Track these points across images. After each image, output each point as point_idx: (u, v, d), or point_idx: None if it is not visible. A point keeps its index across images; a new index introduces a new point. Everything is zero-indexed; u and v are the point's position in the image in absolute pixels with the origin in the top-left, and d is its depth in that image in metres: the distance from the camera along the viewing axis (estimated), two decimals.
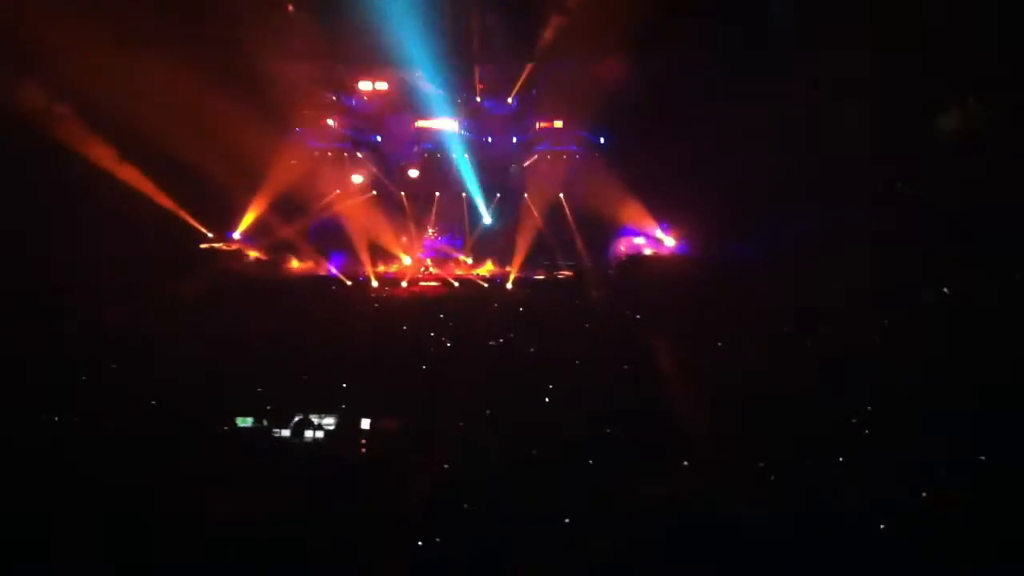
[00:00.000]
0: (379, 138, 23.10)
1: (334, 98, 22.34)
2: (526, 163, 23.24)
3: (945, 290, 14.76)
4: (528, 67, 21.58)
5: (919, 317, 14.12)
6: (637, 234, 21.80)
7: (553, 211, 22.62)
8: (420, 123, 22.87)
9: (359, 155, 23.00)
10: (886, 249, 15.56)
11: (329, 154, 23.02)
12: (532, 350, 14.79)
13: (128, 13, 16.56)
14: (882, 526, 8.63)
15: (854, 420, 11.23)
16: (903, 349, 13.02)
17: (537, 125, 23.04)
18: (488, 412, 11.92)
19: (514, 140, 23.40)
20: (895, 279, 15.00)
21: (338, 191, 22.78)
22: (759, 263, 17.17)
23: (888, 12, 15.27)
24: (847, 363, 12.69)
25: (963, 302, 14.24)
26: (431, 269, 22.41)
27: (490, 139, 23.52)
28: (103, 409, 11.69)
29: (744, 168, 17.38)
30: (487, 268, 22.52)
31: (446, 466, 10.43)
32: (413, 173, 23.27)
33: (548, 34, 20.10)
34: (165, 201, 19.17)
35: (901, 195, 16.47)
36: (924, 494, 9.26)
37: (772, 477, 9.85)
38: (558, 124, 22.94)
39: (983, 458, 9.71)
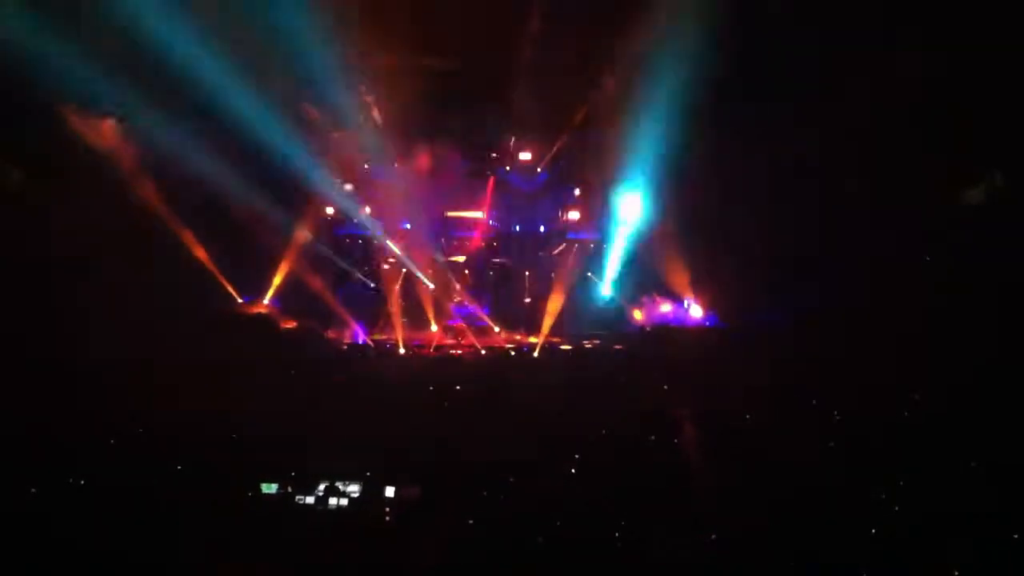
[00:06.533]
0: (408, 225, 23.53)
1: (365, 166, 22.82)
2: (553, 252, 23.89)
3: None
4: (558, 139, 22.25)
5: (950, 389, 13.85)
6: (664, 304, 21.87)
7: (579, 285, 22.99)
8: (450, 213, 23.60)
9: (388, 242, 23.40)
10: (912, 315, 15.48)
11: (360, 241, 23.64)
12: (559, 417, 14.73)
13: None
14: None
15: (883, 496, 11.02)
16: (932, 423, 12.78)
17: (563, 215, 23.73)
18: (511, 479, 11.89)
19: (541, 229, 24.04)
20: (924, 348, 14.82)
21: (367, 268, 23.26)
22: (785, 331, 17.12)
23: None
24: (873, 438, 12.51)
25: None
26: (458, 337, 22.57)
27: (518, 227, 24.22)
28: (129, 472, 11.77)
29: (768, 237, 17.60)
30: (514, 336, 22.69)
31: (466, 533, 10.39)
32: (442, 257, 23.71)
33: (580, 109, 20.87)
34: (198, 264, 19.66)
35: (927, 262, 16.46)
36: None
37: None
38: (584, 213, 23.46)
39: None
